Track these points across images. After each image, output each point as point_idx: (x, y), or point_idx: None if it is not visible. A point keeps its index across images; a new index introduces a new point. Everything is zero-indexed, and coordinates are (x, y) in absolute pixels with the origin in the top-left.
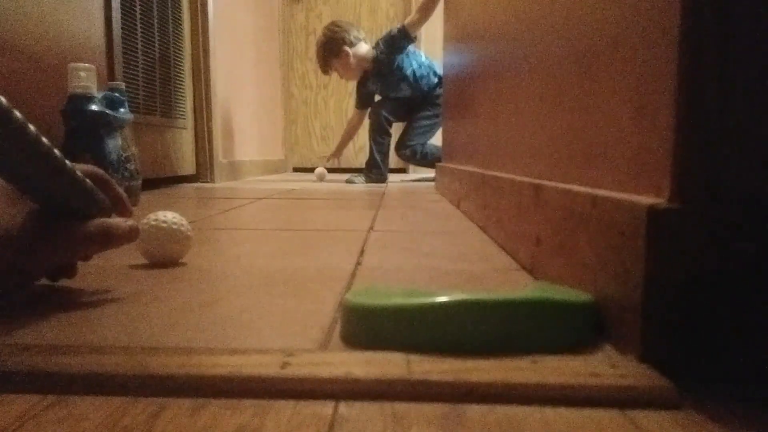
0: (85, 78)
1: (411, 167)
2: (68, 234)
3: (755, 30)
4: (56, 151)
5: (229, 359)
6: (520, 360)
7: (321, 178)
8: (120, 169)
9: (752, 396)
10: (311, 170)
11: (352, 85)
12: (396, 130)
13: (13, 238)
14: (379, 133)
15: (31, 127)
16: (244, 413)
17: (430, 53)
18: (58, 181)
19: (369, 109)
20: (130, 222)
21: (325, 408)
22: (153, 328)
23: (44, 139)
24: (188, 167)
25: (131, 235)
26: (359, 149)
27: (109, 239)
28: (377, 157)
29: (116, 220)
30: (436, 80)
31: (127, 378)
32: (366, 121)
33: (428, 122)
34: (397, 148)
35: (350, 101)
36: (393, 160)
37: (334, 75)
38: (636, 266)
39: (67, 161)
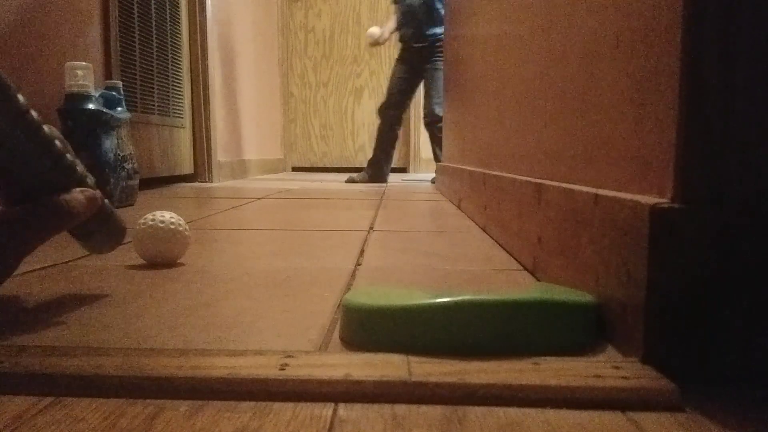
0: (82, 77)
1: (411, 167)
2: (41, 216)
3: (759, 29)
4: (33, 113)
5: (228, 361)
6: (521, 361)
7: (375, 35)
8: (117, 169)
9: (755, 397)
10: (310, 170)
11: (351, 84)
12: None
13: None
14: (386, 131)
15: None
16: (242, 415)
17: None
18: (33, 143)
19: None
20: (87, 192)
21: (325, 410)
22: (150, 330)
23: (21, 98)
24: (186, 166)
25: (91, 204)
26: (359, 149)
27: (71, 216)
28: (380, 155)
29: (71, 193)
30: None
31: (124, 380)
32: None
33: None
34: (427, 116)
35: (350, 99)
36: (394, 159)
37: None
38: (638, 267)
39: (45, 126)
